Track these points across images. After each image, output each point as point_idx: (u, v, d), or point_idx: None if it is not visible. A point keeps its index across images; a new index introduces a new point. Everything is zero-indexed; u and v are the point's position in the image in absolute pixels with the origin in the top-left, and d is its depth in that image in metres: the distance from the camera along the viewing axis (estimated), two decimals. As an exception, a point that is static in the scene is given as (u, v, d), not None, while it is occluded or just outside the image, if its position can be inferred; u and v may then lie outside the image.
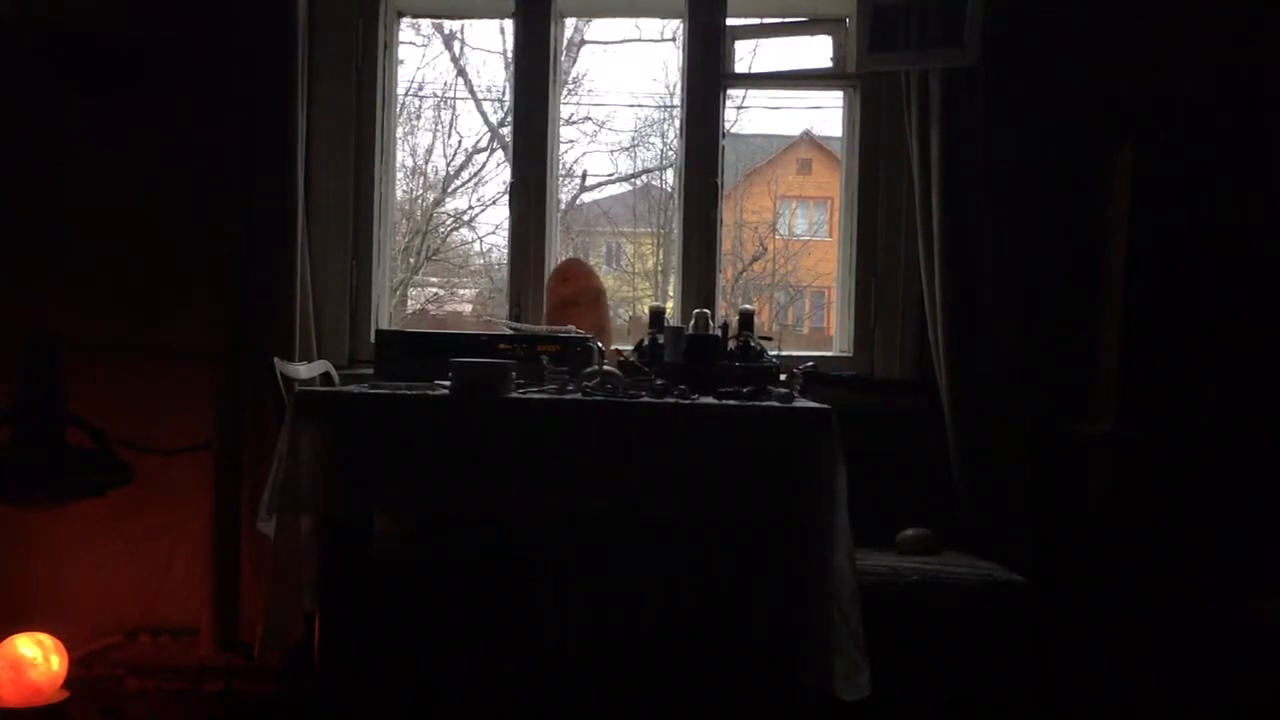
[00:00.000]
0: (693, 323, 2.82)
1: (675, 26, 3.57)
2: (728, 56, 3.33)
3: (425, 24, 5.67)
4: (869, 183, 3.28)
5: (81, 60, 3.08)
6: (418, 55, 6.03)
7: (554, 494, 2.33)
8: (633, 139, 7.13)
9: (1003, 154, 3.01)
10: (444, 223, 6.60)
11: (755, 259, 7.21)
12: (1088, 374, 3.02)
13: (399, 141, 3.59)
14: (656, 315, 2.94)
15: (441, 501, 2.39)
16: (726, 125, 3.37)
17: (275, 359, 2.75)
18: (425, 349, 2.73)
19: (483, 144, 6.60)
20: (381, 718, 2.49)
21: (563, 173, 4.71)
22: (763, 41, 3.57)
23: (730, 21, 3.30)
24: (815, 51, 3.48)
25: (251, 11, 3.02)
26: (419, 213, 6.42)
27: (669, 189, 6.68)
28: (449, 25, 5.97)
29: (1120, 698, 2.83)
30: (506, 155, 3.75)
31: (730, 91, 3.41)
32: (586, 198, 6.96)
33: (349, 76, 3.26)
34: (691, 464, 2.33)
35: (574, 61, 6.40)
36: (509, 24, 3.38)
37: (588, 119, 6.74)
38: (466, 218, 6.68)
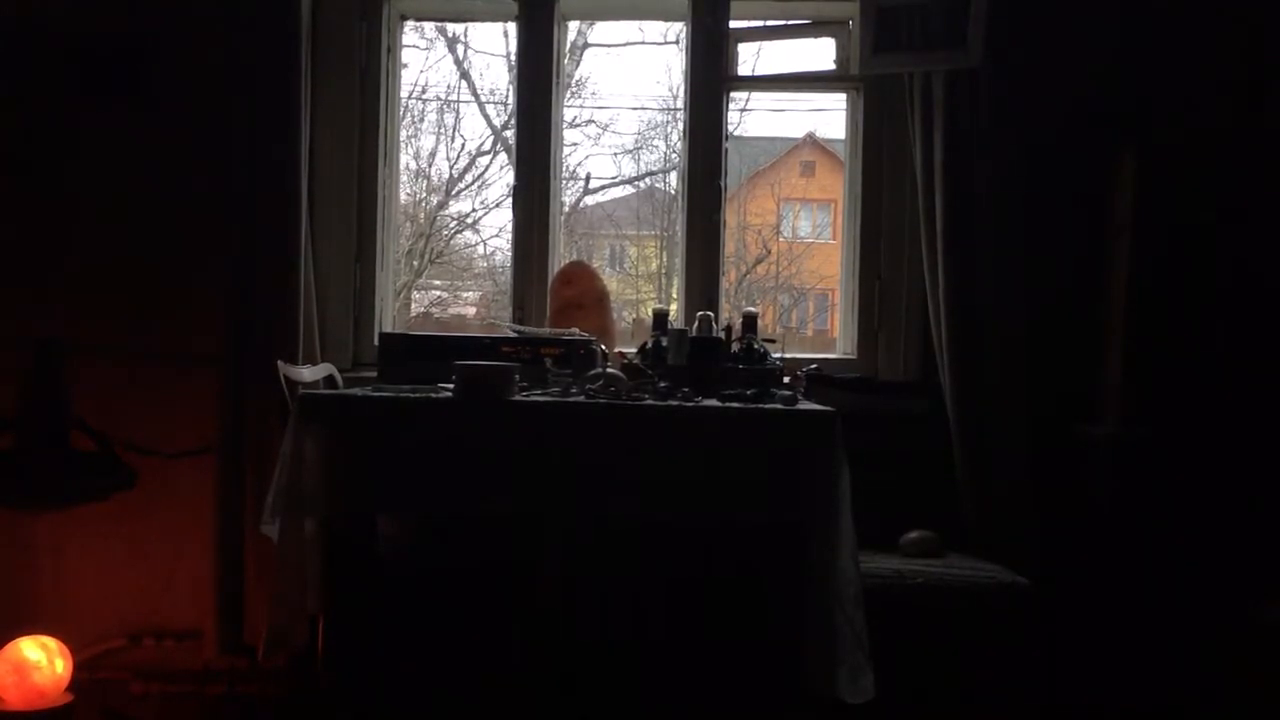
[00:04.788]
0: (696, 325, 2.81)
1: (678, 29, 3.57)
2: (731, 59, 3.33)
3: (429, 27, 5.69)
4: (872, 185, 3.28)
5: (85, 63, 3.09)
6: (421, 58, 6.05)
7: (557, 497, 2.33)
8: (636, 142, 7.15)
9: (1006, 156, 3.00)
10: (447, 225, 6.61)
11: (759, 261, 7.22)
12: (1092, 376, 3.01)
13: (402, 144, 3.60)
14: (660, 318, 2.94)
15: (445, 504, 2.39)
16: (730, 128, 3.37)
17: (279, 362, 2.75)
18: (429, 352, 2.72)
19: (486, 147, 6.62)
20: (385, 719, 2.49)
21: (566, 175, 4.70)
22: (766, 44, 3.57)
23: (733, 24, 3.30)
24: (818, 54, 3.49)
25: (255, 14, 3.02)
26: (422, 215, 6.43)
27: (672, 191, 6.69)
28: (452, 28, 5.99)
29: (1125, 700, 2.82)
30: (510, 158, 3.74)
31: (733, 94, 3.41)
32: (590, 200, 6.98)
33: (352, 79, 3.26)
34: (695, 466, 2.33)
35: (577, 64, 6.41)
36: (512, 27, 3.38)
37: (591, 122, 6.75)
38: (470, 220, 6.69)
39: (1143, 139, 2.89)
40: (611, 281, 6.39)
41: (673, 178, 6.64)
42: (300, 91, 3.04)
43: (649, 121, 7.19)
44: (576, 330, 2.87)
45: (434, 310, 6.27)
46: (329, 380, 3.00)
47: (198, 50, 3.10)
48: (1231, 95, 3.02)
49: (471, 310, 6.41)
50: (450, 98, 6.43)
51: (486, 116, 6.60)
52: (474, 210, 6.75)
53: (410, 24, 3.57)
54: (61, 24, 3.09)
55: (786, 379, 2.73)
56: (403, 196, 4.15)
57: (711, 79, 3.30)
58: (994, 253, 3.00)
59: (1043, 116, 3.07)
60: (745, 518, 2.37)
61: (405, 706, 2.49)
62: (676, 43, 5.06)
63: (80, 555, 3.12)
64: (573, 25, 4.67)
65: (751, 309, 2.93)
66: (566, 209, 4.71)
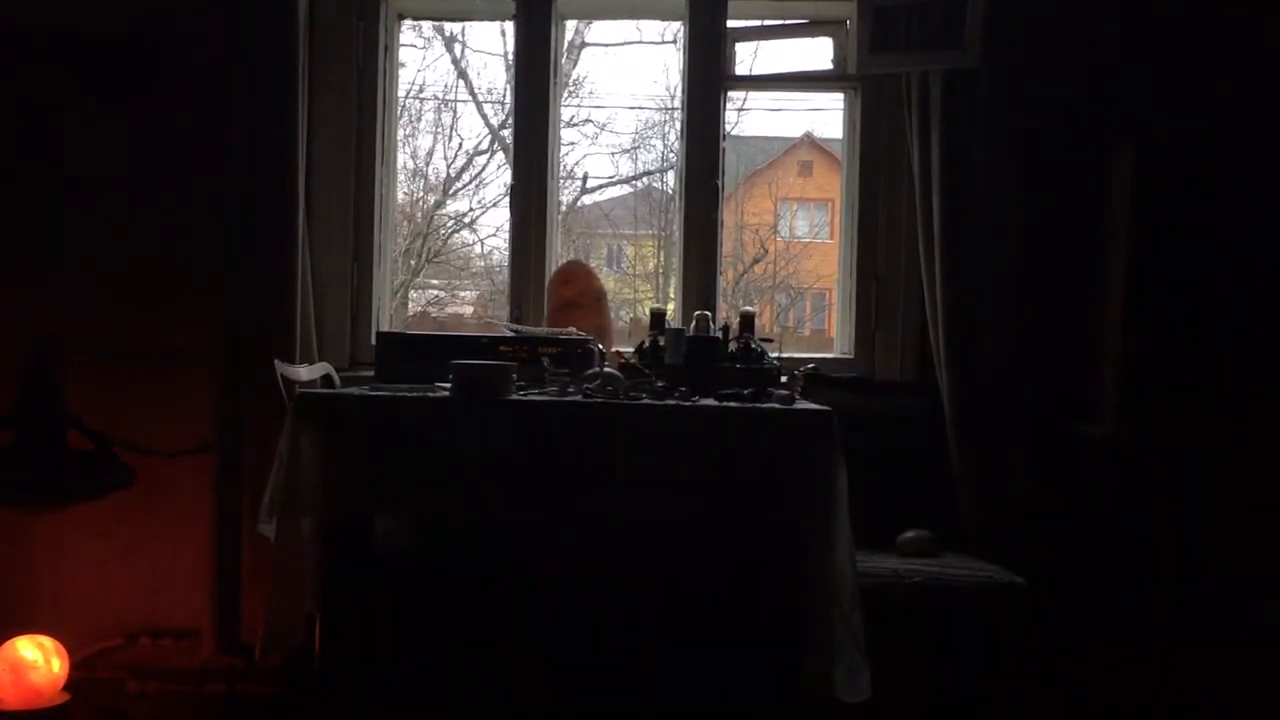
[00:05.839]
0: (694, 325, 2.82)
1: (676, 29, 3.58)
2: (728, 59, 3.33)
3: (426, 26, 5.68)
4: (870, 184, 3.28)
5: (82, 61, 3.09)
6: (418, 57, 6.04)
7: (554, 496, 2.33)
8: (633, 141, 7.14)
9: (1003, 155, 3.01)
10: (445, 225, 6.61)
11: (756, 261, 7.22)
12: (1090, 375, 3.01)
13: (400, 144, 3.59)
14: (657, 317, 2.94)
15: (442, 503, 2.39)
16: (727, 127, 3.37)
17: (276, 361, 2.75)
18: (426, 351, 2.72)
19: (483, 146, 6.61)
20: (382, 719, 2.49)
21: (563, 175, 4.70)
22: (763, 44, 3.57)
23: (731, 24, 3.30)
24: (816, 53, 3.49)
25: (252, 13, 3.02)
26: (420, 215, 6.43)
27: (670, 191, 6.69)
28: (450, 27, 5.98)
29: (1123, 701, 2.83)
30: (507, 157, 3.75)
31: (731, 94, 3.41)
32: (587, 200, 6.97)
33: (350, 78, 3.26)
34: (692, 466, 2.33)
35: (575, 64, 6.41)
36: (510, 26, 3.38)
37: (588, 121, 6.74)
38: (467, 220, 6.69)
39: (1140, 138, 2.89)
40: (609, 281, 6.39)
41: (670, 177, 6.64)
42: (298, 90, 3.04)
43: (647, 121, 7.19)
44: (574, 329, 2.88)
45: (431, 309, 6.27)
46: (326, 379, 2.99)
47: (196, 49, 3.10)
48: (1229, 95, 3.02)
49: (469, 309, 6.41)
50: (448, 97, 6.43)
51: (484, 116, 6.60)
52: (471, 209, 6.75)
53: (408, 23, 3.57)
54: (61, 23, 3.09)
55: (784, 378, 2.73)
56: (400, 196, 4.16)
57: (709, 78, 3.30)
58: (991, 252, 3.01)
59: (1040, 116, 3.07)
60: (742, 517, 2.37)
61: (402, 706, 2.49)
62: (674, 42, 5.07)
63: (77, 554, 3.12)
64: (570, 24, 4.67)
65: (749, 308, 2.93)
66: (564, 208, 4.70)
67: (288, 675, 2.96)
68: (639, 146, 7.08)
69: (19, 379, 2.76)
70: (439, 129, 6.51)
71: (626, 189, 7.14)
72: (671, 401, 2.42)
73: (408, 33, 3.74)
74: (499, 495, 2.34)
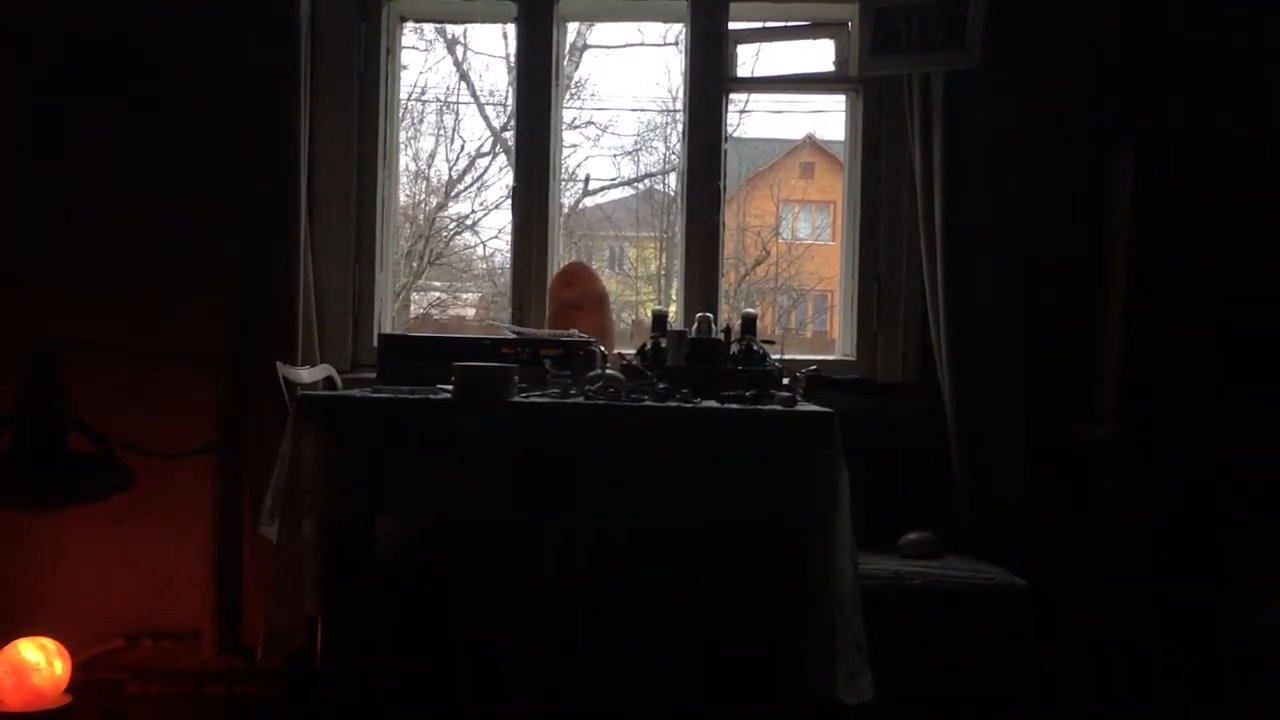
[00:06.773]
0: (695, 326, 2.82)
1: (677, 31, 3.57)
2: (730, 60, 3.33)
3: (428, 28, 5.68)
4: (871, 186, 3.28)
5: (84, 63, 3.09)
6: (420, 60, 6.05)
7: (556, 497, 2.33)
8: (635, 143, 7.15)
9: (1004, 157, 3.01)
10: (447, 227, 6.62)
11: (758, 263, 7.22)
12: (1091, 376, 3.01)
13: (401, 146, 3.60)
14: (659, 319, 2.94)
15: (443, 505, 2.39)
16: (729, 129, 3.38)
17: (278, 362, 2.75)
18: (428, 353, 2.73)
19: (485, 148, 6.61)
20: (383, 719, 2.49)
21: (565, 177, 4.70)
22: (765, 45, 3.57)
23: (732, 25, 3.30)
24: (817, 55, 3.49)
25: (254, 15, 3.02)
26: (422, 217, 6.43)
27: (671, 193, 6.69)
28: (451, 30, 5.98)
29: (1123, 702, 2.82)
30: (509, 159, 3.75)
31: (733, 95, 3.41)
32: (589, 202, 6.97)
33: (351, 81, 3.26)
34: (694, 468, 2.33)
35: (576, 66, 6.41)
36: (511, 28, 3.38)
37: (590, 123, 6.75)
38: (469, 222, 6.69)
39: (1141, 140, 2.90)
40: (611, 283, 6.39)
41: (672, 179, 6.64)
42: (300, 92, 3.04)
43: (648, 123, 7.19)
44: (576, 331, 2.88)
45: (433, 311, 6.27)
46: (328, 381, 2.99)
47: (198, 50, 3.11)
48: (1230, 96, 3.02)
49: (471, 311, 6.40)
50: (450, 99, 6.44)
51: (486, 118, 6.60)
52: (473, 212, 6.76)
53: (409, 25, 3.57)
54: (61, 24, 3.09)
55: (785, 380, 2.73)
56: (402, 198, 4.16)
57: (711, 80, 3.30)
58: (992, 253, 3.01)
59: (1041, 118, 3.07)
60: (744, 519, 2.38)
61: (403, 706, 2.49)
62: (676, 44, 5.06)
63: (79, 556, 3.12)
64: (572, 26, 4.67)
65: (750, 310, 2.93)
66: (566, 210, 4.71)
67: (289, 676, 2.95)
68: (641, 148, 7.09)
69: (19, 379, 2.76)
70: (441, 131, 6.52)
71: (628, 191, 7.15)
72: (673, 403, 2.42)
73: (409, 35, 3.74)
74: (500, 496, 2.34)
